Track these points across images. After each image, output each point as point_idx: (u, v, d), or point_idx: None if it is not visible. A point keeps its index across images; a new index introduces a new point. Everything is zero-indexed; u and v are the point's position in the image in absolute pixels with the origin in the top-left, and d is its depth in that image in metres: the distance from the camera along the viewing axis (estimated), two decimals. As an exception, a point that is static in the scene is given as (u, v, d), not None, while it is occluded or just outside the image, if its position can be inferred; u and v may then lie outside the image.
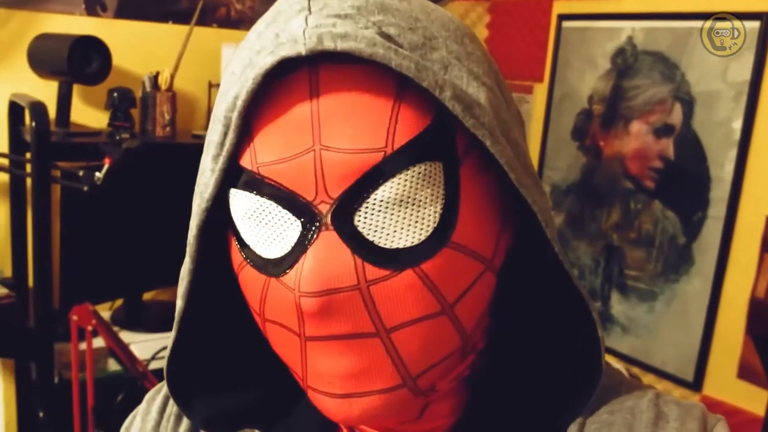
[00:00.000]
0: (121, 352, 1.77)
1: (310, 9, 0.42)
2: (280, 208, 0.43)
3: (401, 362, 0.44)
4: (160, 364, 1.94)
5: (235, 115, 0.42)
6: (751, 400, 1.76)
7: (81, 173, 1.70)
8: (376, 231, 0.42)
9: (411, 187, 0.42)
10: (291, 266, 0.43)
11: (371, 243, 0.42)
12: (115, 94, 1.95)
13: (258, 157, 0.43)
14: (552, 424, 0.50)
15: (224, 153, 0.44)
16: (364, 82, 0.42)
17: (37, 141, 1.65)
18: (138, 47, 2.15)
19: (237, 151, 0.44)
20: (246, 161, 0.43)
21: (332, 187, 0.42)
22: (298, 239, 0.43)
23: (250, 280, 0.46)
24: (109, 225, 1.96)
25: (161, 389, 0.61)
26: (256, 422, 0.54)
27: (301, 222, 0.43)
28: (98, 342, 1.83)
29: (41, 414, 1.82)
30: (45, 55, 1.90)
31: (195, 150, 1.93)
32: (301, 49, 0.40)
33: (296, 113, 0.42)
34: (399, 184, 0.42)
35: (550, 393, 0.51)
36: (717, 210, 1.82)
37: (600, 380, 0.49)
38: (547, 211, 0.47)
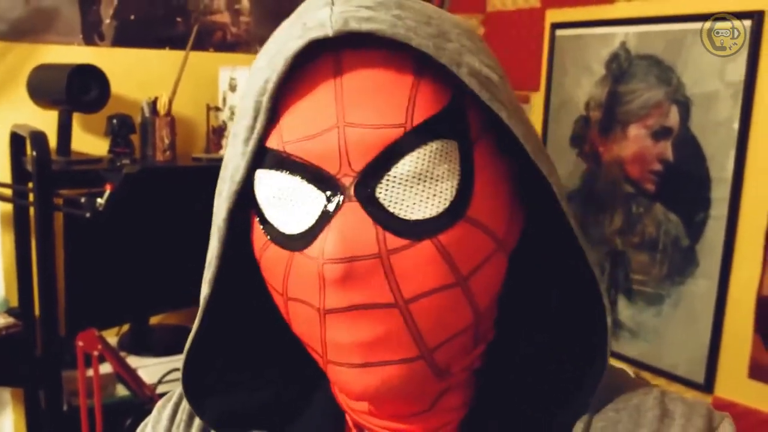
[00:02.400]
0: (129, 376, 1.77)
1: (333, 2, 0.45)
2: (305, 183, 0.45)
3: (418, 333, 0.45)
4: (168, 387, 1.94)
5: (265, 98, 0.46)
6: (763, 399, 1.74)
7: (83, 200, 1.71)
8: (396, 203, 0.45)
9: (429, 161, 0.44)
10: (315, 237, 0.45)
11: (392, 214, 0.45)
12: (115, 121, 1.97)
13: (284, 136, 0.46)
14: (559, 420, 0.51)
15: (255, 135, 0.46)
16: (384, 64, 0.45)
17: (39, 170, 1.66)
18: (136, 74, 2.18)
19: (263, 135, 0.47)
20: (272, 142, 0.46)
21: (355, 161, 0.44)
22: (322, 212, 0.45)
23: (273, 259, 0.48)
24: (112, 251, 1.97)
25: (171, 398, 0.63)
26: (264, 425, 0.55)
27: (326, 195, 0.45)
28: (106, 368, 1.83)
29: (51, 442, 1.82)
30: (44, 85, 1.93)
31: (195, 173, 1.95)
32: (328, 31, 0.43)
33: (321, 93, 0.45)
34: (417, 158, 0.44)
35: (557, 388, 0.52)
36: (719, 210, 1.82)
37: (605, 368, 0.50)
38: (561, 186, 0.49)
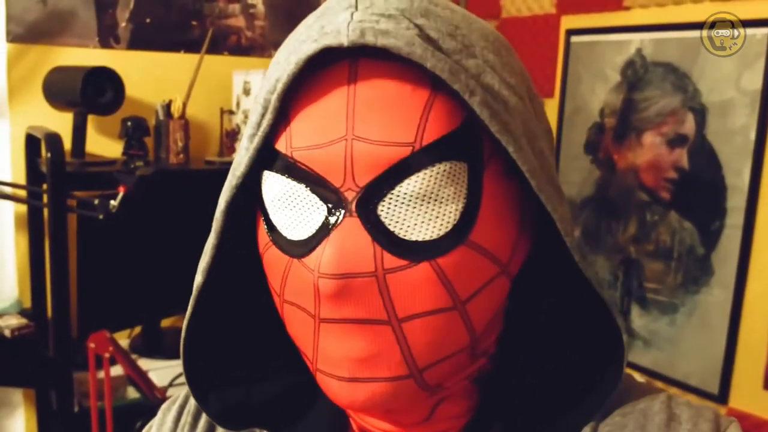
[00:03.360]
0: (139, 379, 1.77)
1: (356, 6, 0.44)
2: (308, 192, 0.45)
3: (409, 352, 0.45)
4: (179, 390, 1.94)
5: (274, 97, 0.45)
6: (778, 411, 1.72)
7: (96, 202, 1.72)
8: (397, 222, 0.44)
9: (435, 183, 0.43)
10: (313, 249, 0.45)
11: (392, 233, 0.44)
12: (129, 123, 1.98)
13: (293, 141, 0.45)
14: (563, 427, 0.50)
15: (260, 133, 0.46)
16: (400, 79, 0.43)
17: (53, 172, 1.67)
18: (150, 77, 2.19)
19: (274, 135, 0.46)
20: (281, 145, 0.46)
21: (360, 176, 0.44)
22: (323, 223, 0.45)
23: (273, 260, 0.48)
24: (125, 253, 1.98)
25: (176, 400, 0.63)
26: (267, 423, 0.55)
27: (327, 207, 0.45)
28: (117, 370, 1.84)
29: (62, 443, 1.82)
30: (59, 87, 1.94)
31: (208, 176, 1.95)
32: (344, 40, 0.42)
33: (333, 102, 0.44)
34: (423, 179, 0.43)
35: (561, 396, 0.51)
36: (735, 219, 1.80)
37: (619, 385, 0.50)
38: (567, 220, 0.47)
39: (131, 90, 2.03)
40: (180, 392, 0.64)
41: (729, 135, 1.81)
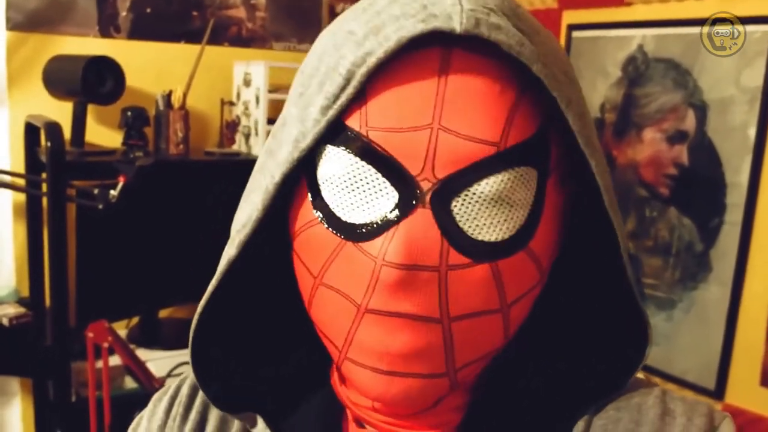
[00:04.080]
0: (138, 369, 1.77)
1: None
2: (379, 175, 0.43)
3: (452, 352, 0.45)
4: (176, 381, 1.94)
5: (362, 71, 0.42)
6: (774, 407, 1.73)
7: (96, 192, 1.72)
8: (468, 220, 0.43)
9: (510, 186, 0.43)
10: (378, 234, 0.43)
11: (461, 230, 0.43)
12: (129, 113, 1.97)
13: (369, 120, 0.43)
14: (560, 422, 0.51)
15: (337, 106, 0.43)
16: (491, 76, 0.43)
17: (52, 161, 1.66)
18: (151, 67, 2.18)
19: (345, 109, 0.44)
20: (353, 122, 0.43)
21: (440, 168, 0.42)
22: (393, 210, 0.43)
23: (317, 240, 0.45)
24: (124, 243, 1.97)
25: (167, 391, 0.62)
26: (264, 409, 0.55)
27: (400, 194, 0.43)
28: (115, 360, 1.84)
29: (59, 432, 1.82)
30: (59, 76, 1.93)
31: (208, 167, 1.94)
32: (457, 27, 0.41)
33: (422, 87, 0.42)
34: (501, 180, 0.43)
35: (560, 392, 0.52)
36: (734, 215, 1.81)
37: (626, 386, 0.50)
38: (625, 238, 0.48)
39: (131, 80, 2.02)
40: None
41: (729, 132, 1.81)
